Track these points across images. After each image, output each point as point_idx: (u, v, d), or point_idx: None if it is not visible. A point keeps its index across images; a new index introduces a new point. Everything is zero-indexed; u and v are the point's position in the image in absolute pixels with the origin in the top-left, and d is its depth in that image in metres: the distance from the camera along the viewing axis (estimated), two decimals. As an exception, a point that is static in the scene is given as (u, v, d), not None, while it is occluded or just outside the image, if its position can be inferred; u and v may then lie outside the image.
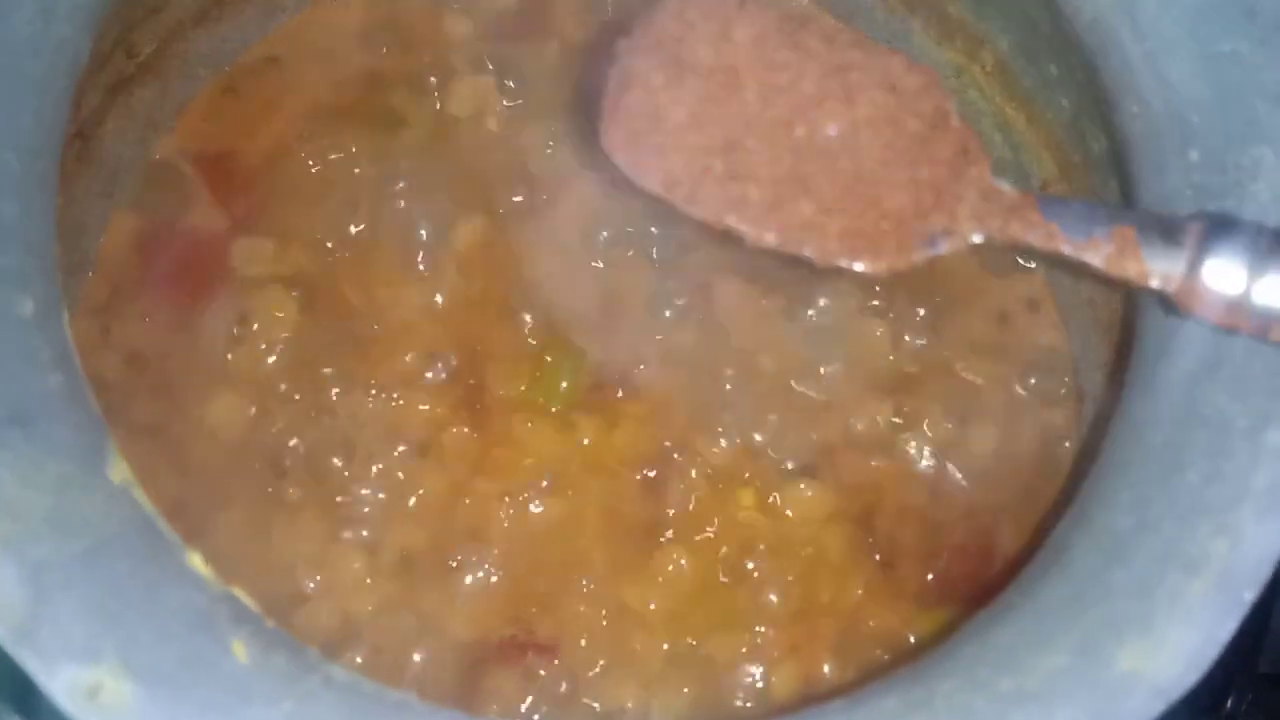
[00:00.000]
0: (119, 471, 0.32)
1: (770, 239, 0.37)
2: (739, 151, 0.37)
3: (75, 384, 0.33)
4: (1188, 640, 0.32)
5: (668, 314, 0.51)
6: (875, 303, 0.52)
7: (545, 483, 0.49)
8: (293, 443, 0.49)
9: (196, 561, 0.32)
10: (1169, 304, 0.36)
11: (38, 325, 0.33)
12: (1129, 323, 0.42)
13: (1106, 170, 0.48)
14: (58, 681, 0.29)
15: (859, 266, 0.37)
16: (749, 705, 0.46)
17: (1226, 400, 0.35)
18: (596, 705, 0.46)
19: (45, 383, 0.33)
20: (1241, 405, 0.35)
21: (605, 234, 0.52)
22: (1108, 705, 0.31)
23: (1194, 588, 0.32)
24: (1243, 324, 0.35)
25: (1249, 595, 0.32)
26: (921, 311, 0.53)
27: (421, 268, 0.52)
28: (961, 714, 0.31)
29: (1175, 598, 0.32)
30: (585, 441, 0.50)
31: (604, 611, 0.47)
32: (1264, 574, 0.33)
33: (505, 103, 0.54)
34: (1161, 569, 0.33)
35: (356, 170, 0.52)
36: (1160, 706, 0.31)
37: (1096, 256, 0.36)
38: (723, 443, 0.50)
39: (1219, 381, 0.36)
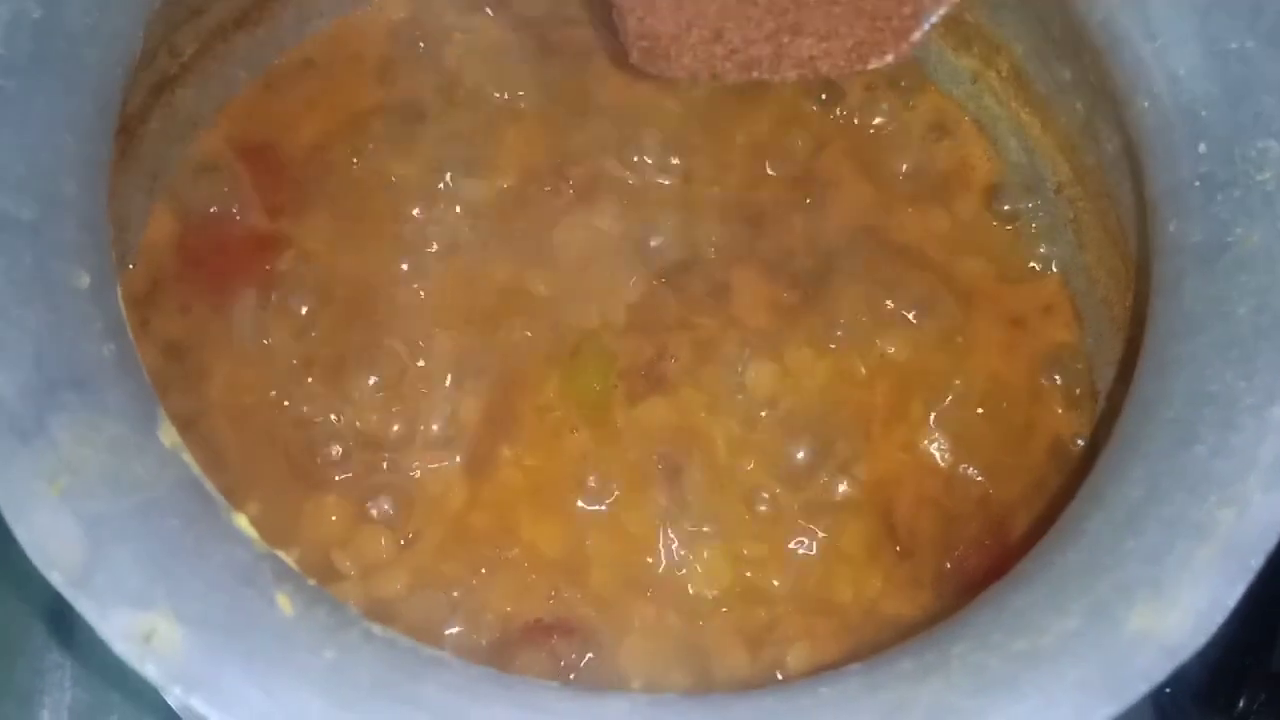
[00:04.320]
0: (169, 435, 0.34)
1: (790, 76, 0.44)
2: (730, 33, 0.43)
3: (128, 353, 0.35)
4: (1196, 603, 0.33)
5: (692, 307, 0.53)
6: (891, 302, 0.54)
7: (574, 478, 0.50)
8: (327, 439, 0.50)
9: (242, 522, 0.33)
10: None
11: (93, 297, 0.35)
12: (1140, 308, 0.44)
13: (1120, 172, 0.49)
14: (112, 626, 0.30)
15: (872, 66, 0.43)
16: (764, 685, 0.47)
17: (1234, 378, 0.36)
18: (621, 685, 0.47)
19: (100, 351, 0.34)
20: (1248, 383, 0.36)
21: (632, 227, 0.54)
22: (1118, 664, 0.32)
23: (1202, 554, 0.33)
24: None
25: (1255, 562, 0.33)
26: (941, 311, 0.54)
27: (448, 266, 0.53)
28: (975, 674, 0.32)
29: (1184, 563, 0.33)
30: (614, 438, 0.51)
31: (628, 595, 0.49)
32: (1269, 542, 0.34)
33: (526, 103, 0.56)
34: (1171, 537, 0.34)
35: (392, 169, 0.54)
36: (1169, 666, 0.32)
37: None
38: (745, 434, 0.51)
39: (1228, 361, 0.37)
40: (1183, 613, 0.32)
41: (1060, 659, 0.32)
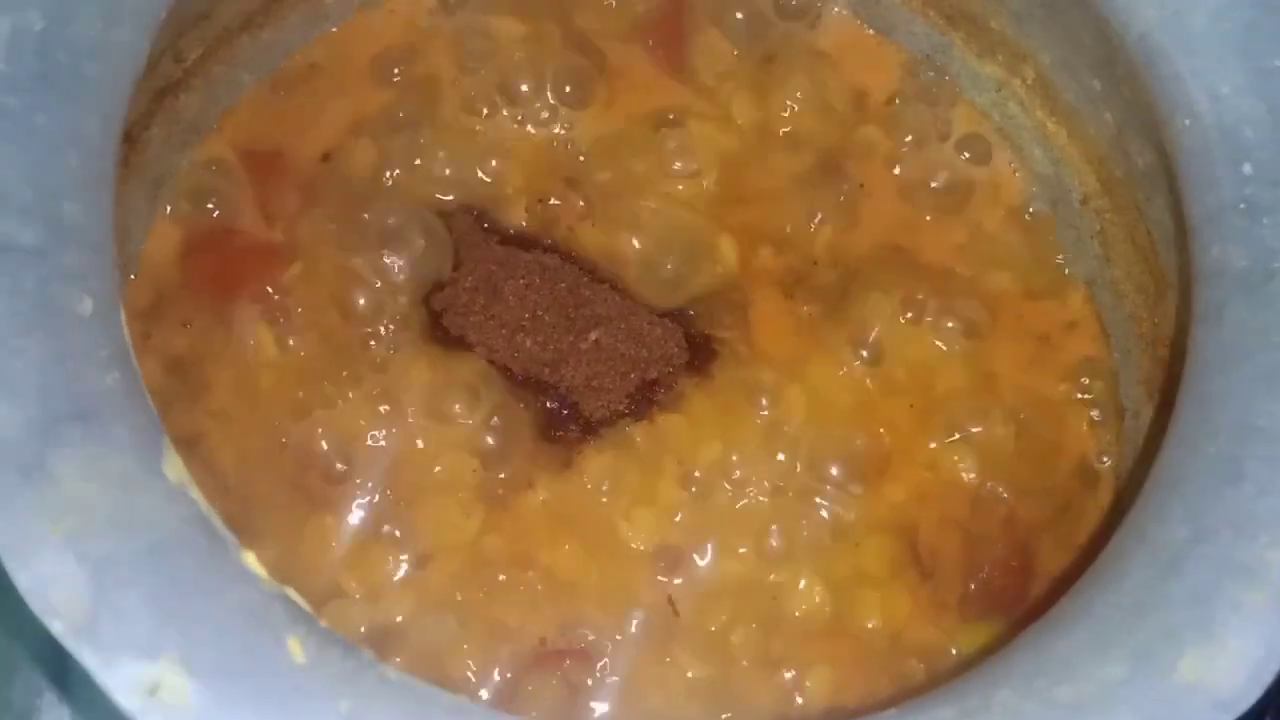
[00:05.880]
0: (174, 469, 0.32)
1: None
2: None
3: (132, 382, 0.34)
4: (1248, 651, 0.31)
5: (710, 321, 0.52)
6: (914, 317, 0.52)
7: (590, 499, 0.49)
8: (331, 457, 0.49)
9: (251, 560, 0.32)
10: None
11: (97, 324, 0.33)
12: (1181, 335, 0.42)
13: (1151, 185, 0.48)
14: (116, 678, 0.29)
15: None
16: (784, 712, 0.46)
17: (1282, 410, 0.35)
18: (636, 712, 0.46)
19: (104, 380, 0.33)
20: (1297, 416, 0.35)
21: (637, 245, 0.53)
22: (1168, 715, 0.31)
23: (1253, 598, 0.32)
24: None
25: (1309, 607, 0.32)
26: (965, 326, 0.53)
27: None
28: (1018, 723, 0.31)
29: (1234, 608, 0.32)
30: (631, 458, 0.50)
31: (641, 619, 0.47)
32: (1323, 586, 0.32)
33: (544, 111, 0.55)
34: (1219, 579, 0.33)
35: (399, 175, 0.52)
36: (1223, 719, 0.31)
37: None
38: (765, 453, 0.50)
39: (1274, 393, 0.36)
40: (1234, 661, 0.31)
41: (1106, 708, 0.31)
